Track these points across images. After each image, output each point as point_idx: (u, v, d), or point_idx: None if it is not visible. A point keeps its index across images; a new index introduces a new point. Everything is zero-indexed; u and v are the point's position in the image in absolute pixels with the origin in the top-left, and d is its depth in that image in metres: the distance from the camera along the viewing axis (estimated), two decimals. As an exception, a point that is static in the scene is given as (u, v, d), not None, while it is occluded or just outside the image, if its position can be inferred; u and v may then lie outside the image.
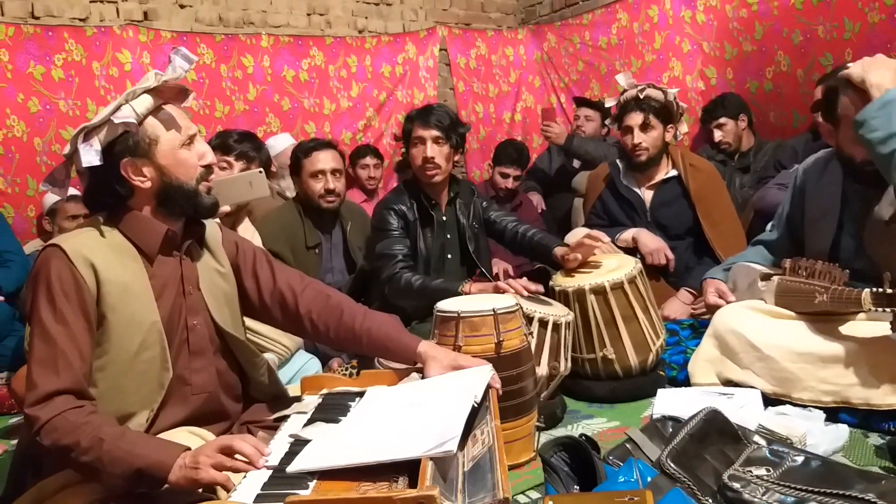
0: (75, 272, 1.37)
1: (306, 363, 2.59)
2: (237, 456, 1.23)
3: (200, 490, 1.27)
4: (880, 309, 1.82)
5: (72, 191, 3.44)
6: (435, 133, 2.61)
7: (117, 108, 1.43)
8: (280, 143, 4.14)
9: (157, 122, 1.48)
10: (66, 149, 1.47)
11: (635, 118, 3.06)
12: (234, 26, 4.70)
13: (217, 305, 1.58)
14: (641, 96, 3.08)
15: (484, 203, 2.86)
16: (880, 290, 1.83)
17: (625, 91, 3.16)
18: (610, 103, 3.24)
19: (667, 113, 3.08)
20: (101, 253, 1.42)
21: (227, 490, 1.20)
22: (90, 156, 1.41)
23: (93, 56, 4.11)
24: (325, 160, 3.01)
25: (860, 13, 3.45)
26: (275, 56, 4.73)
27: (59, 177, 1.51)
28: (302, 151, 3.07)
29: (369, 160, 4.44)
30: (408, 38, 5.27)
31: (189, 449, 1.27)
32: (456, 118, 2.72)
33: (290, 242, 2.97)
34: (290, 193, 3.64)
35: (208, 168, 1.55)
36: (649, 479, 1.34)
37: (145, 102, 1.46)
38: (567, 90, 5.30)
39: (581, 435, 1.49)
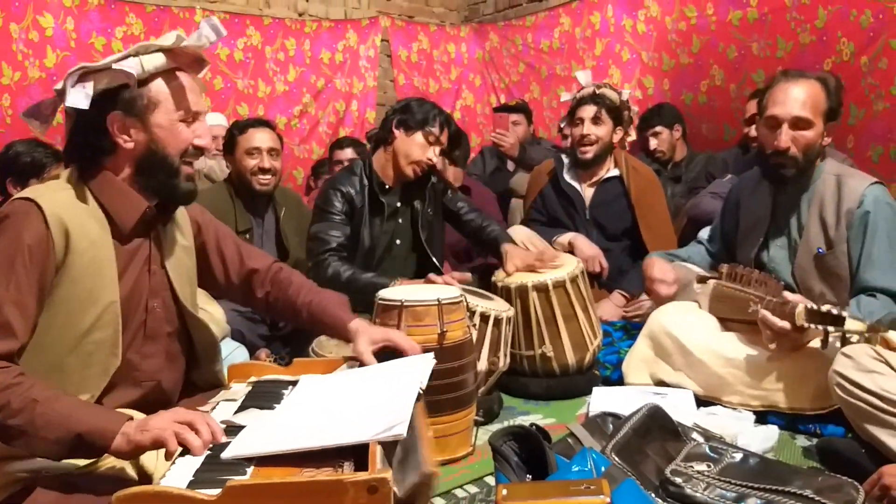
0: (49, 236, 1.27)
1: (233, 352, 2.47)
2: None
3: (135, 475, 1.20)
4: (813, 325, 1.84)
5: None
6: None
7: (124, 58, 1.32)
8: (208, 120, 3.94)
9: (163, 86, 1.37)
10: (59, 84, 1.34)
11: (588, 111, 3.07)
12: (167, -3, 4.48)
13: (181, 283, 1.48)
14: (598, 92, 3.13)
15: (443, 187, 2.79)
16: (814, 307, 1.86)
17: (582, 88, 3.20)
18: (566, 97, 3.26)
19: (618, 113, 3.12)
20: (76, 217, 1.32)
21: (168, 457, 1.12)
22: (78, 97, 1.29)
23: (11, 17, 3.79)
24: (261, 139, 2.88)
25: (793, 33, 3.59)
26: (209, 32, 4.53)
27: (44, 111, 1.38)
28: (237, 128, 2.94)
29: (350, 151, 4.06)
30: (349, 26, 5.16)
31: (132, 419, 1.18)
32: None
33: (220, 226, 2.83)
34: (217, 176, 3.49)
35: (198, 150, 1.42)
36: (603, 468, 1.32)
37: (156, 61, 1.35)
38: (507, 91, 5.31)
39: (532, 424, 1.46)
